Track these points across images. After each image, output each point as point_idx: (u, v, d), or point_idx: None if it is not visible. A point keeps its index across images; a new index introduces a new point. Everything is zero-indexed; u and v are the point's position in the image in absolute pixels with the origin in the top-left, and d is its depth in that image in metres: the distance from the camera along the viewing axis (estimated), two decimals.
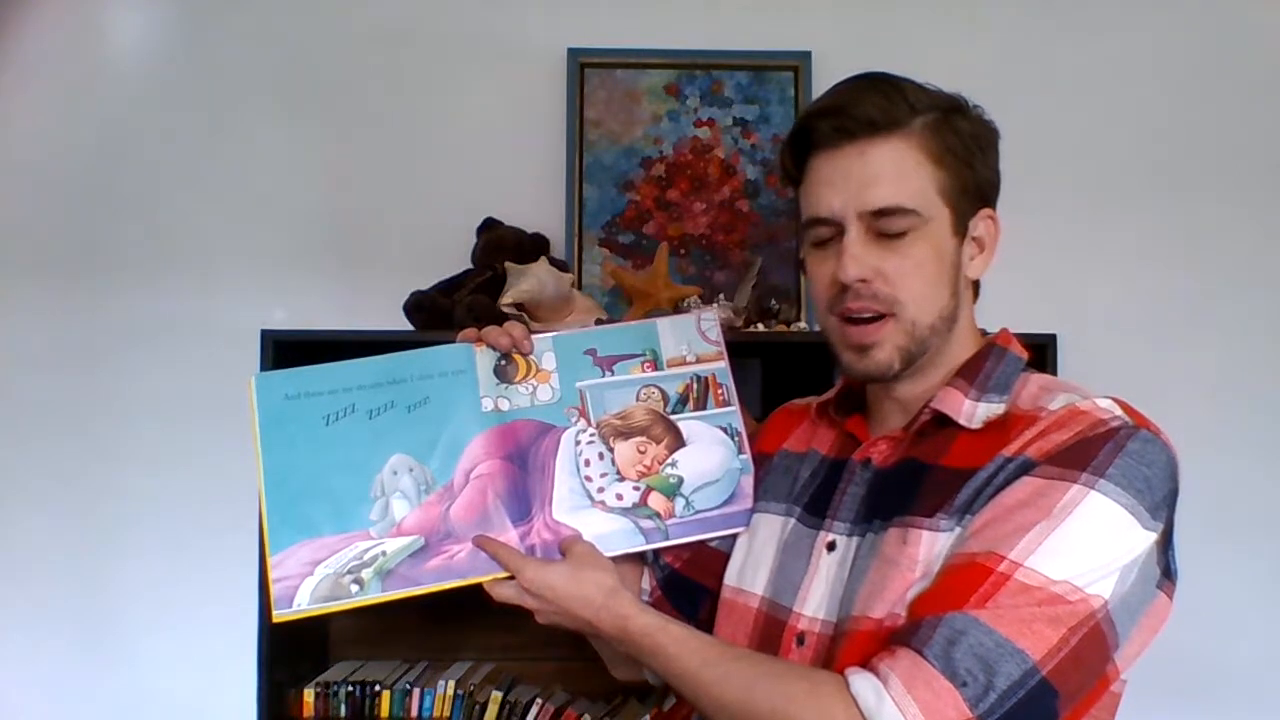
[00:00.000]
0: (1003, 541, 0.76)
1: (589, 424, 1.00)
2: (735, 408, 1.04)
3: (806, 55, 1.96)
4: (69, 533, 1.95)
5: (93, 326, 1.96)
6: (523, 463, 0.98)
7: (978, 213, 0.89)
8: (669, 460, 1.01)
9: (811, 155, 0.89)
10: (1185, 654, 1.79)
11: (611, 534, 0.98)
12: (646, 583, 1.08)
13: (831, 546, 0.90)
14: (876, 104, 0.84)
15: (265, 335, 1.65)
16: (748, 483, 1.02)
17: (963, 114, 0.88)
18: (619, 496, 0.99)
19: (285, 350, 1.63)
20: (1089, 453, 0.78)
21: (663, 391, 1.03)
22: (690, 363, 1.04)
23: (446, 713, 1.76)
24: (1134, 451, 0.78)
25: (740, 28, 1.98)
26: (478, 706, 1.75)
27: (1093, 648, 0.76)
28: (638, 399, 1.02)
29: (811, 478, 0.98)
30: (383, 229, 1.98)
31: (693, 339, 1.05)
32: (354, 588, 0.91)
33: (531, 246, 1.81)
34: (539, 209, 1.92)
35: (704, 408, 1.03)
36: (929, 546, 0.81)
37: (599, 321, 1.58)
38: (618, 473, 0.99)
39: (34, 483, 1.96)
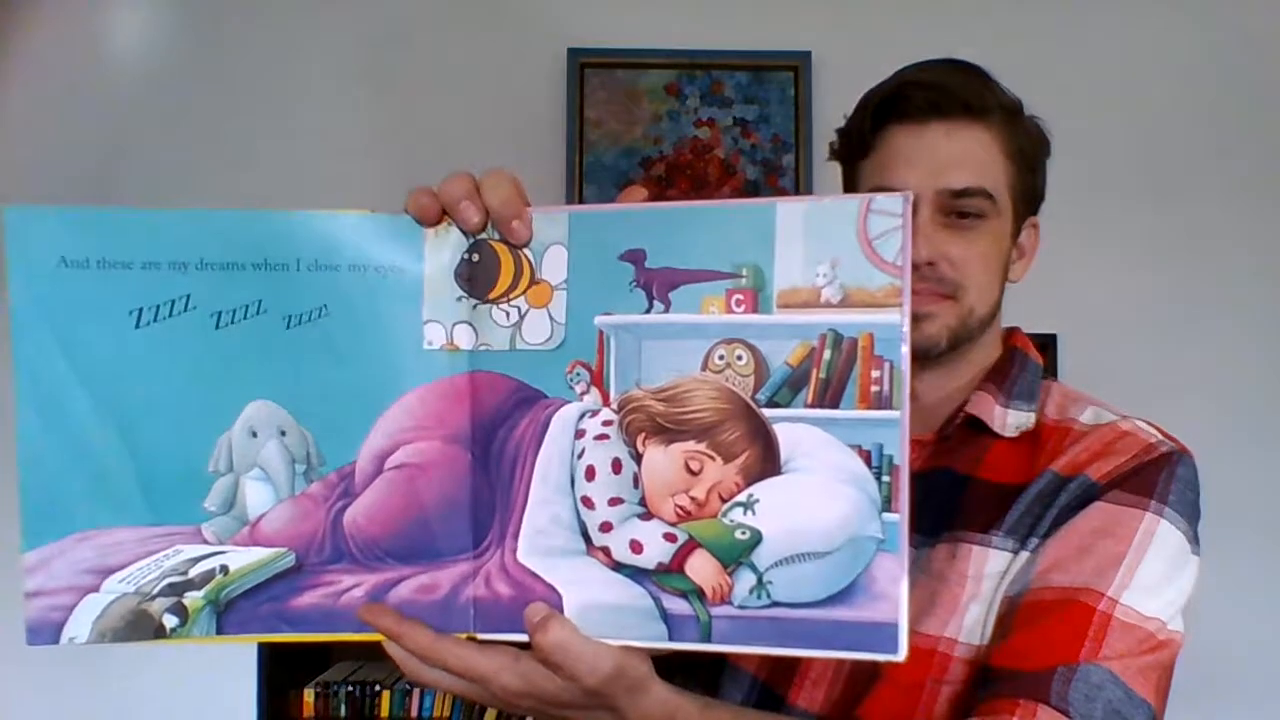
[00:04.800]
0: (1097, 576, 0.74)
1: (606, 401, 0.58)
2: (900, 412, 0.55)
3: (806, 55, 1.96)
4: None
5: None
6: (482, 450, 0.59)
7: (1027, 219, 0.89)
8: (742, 495, 0.57)
9: (889, 126, 0.84)
10: (1185, 654, 1.79)
11: (612, 610, 0.57)
12: None
13: None
14: (971, 87, 0.83)
15: None
16: (892, 568, 0.55)
17: (1026, 118, 0.88)
18: (635, 545, 0.57)
19: None
20: (1151, 479, 0.77)
21: (758, 357, 0.57)
22: (830, 302, 0.55)
23: (446, 713, 1.76)
24: (1182, 477, 0.78)
25: (740, 28, 1.98)
26: (477, 706, 1.76)
27: (1170, 683, 0.77)
28: (706, 366, 0.57)
29: None
30: None
31: (847, 251, 0.55)
32: (170, 620, 0.57)
33: None
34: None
35: (836, 402, 0.56)
36: (980, 562, 0.79)
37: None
38: (642, 502, 0.58)
39: None
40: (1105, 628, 0.73)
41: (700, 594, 0.56)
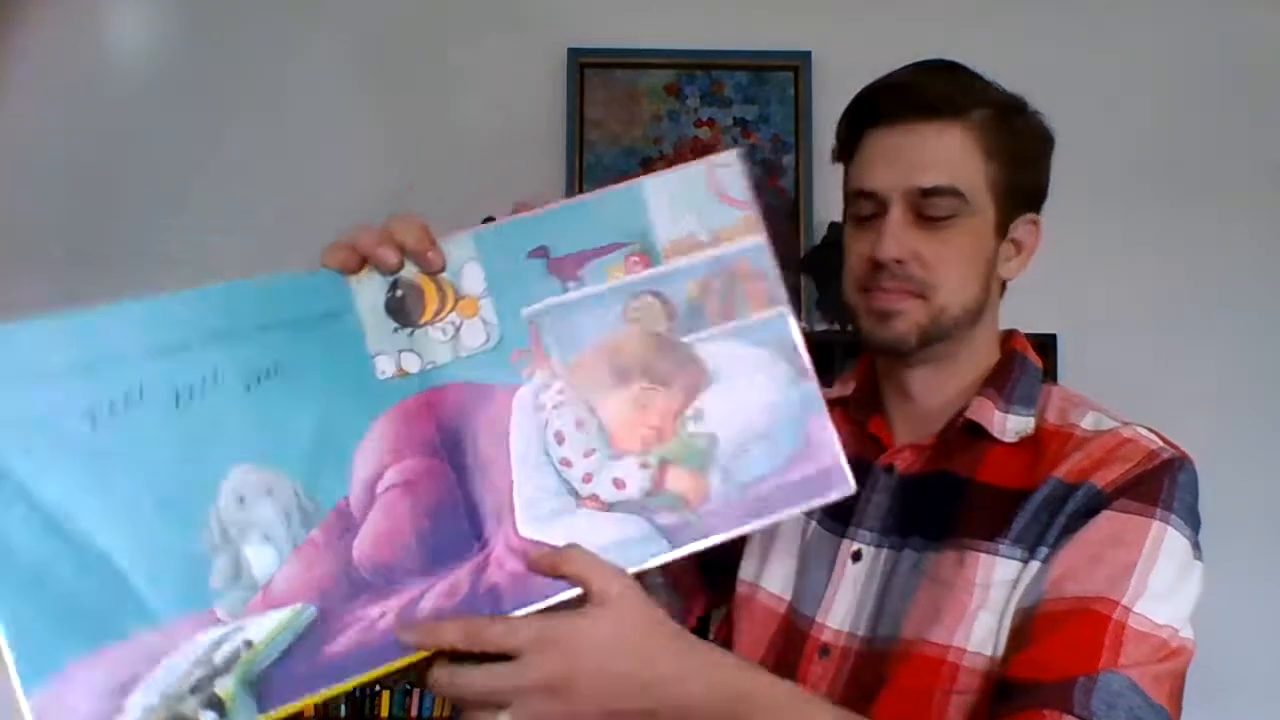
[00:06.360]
0: (1110, 585, 0.75)
1: (552, 375, 0.64)
2: (785, 308, 0.66)
3: (806, 55, 1.96)
4: None
5: None
6: (458, 454, 0.63)
7: (1021, 215, 0.89)
8: (689, 411, 0.65)
9: (868, 129, 0.87)
10: None
11: (618, 545, 0.62)
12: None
13: (857, 556, 0.86)
14: (942, 88, 0.84)
15: None
16: (819, 422, 0.65)
17: (1022, 115, 0.89)
18: (619, 483, 0.64)
19: None
20: (1156, 487, 0.78)
21: (664, 300, 0.66)
22: (705, 244, 0.66)
23: (446, 713, 1.76)
24: (1184, 483, 0.78)
25: (740, 28, 1.98)
26: None
27: (1182, 692, 0.77)
28: (625, 319, 0.65)
29: None
30: None
31: (705, 204, 0.66)
32: (208, 716, 0.54)
33: None
34: None
35: (734, 315, 0.66)
36: (988, 570, 0.78)
37: None
38: (610, 445, 0.64)
39: None
40: (1121, 636, 0.73)
41: (684, 501, 0.63)
